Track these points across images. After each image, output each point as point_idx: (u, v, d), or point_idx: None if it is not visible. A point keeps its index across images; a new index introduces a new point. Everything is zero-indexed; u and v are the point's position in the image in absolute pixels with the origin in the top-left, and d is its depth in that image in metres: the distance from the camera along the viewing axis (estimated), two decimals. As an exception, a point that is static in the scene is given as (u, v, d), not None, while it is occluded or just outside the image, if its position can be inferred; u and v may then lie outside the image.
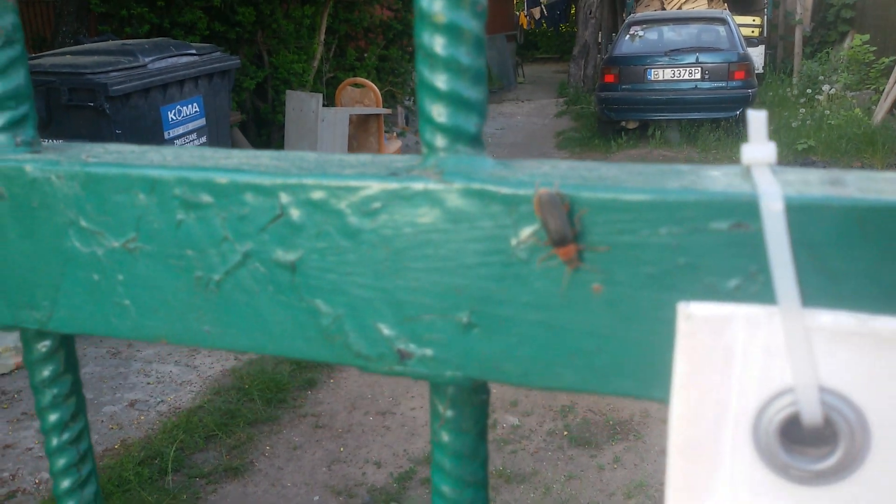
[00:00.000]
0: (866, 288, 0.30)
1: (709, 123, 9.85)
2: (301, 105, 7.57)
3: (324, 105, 7.79)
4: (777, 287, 0.30)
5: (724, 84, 9.55)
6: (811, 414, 0.31)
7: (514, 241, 0.34)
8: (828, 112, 9.84)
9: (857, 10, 13.07)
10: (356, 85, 8.38)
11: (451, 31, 0.36)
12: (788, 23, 13.51)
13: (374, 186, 0.35)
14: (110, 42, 6.00)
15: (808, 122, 9.70)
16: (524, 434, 3.79)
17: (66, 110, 4.92)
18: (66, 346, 0.50)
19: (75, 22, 7.19)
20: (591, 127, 11.10)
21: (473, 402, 0.40)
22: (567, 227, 0.32)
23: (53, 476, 0.52)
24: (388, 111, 8.89)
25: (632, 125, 10.32)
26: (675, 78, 9.68)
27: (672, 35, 10.17)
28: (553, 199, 0.33)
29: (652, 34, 10.26)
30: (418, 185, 0.35)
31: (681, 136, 9.91)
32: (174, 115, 5.62)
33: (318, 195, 0.36)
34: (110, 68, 4.99)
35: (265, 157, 0.42)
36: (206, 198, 0.38)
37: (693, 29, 10.16)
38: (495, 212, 0.34)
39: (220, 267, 0.39)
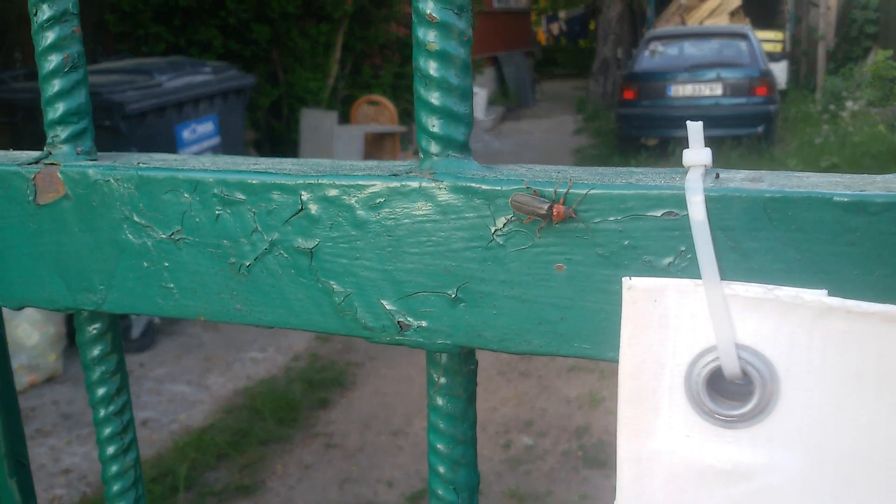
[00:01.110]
0: (772, 263, 0.38)
1: (730, 140, 9.85)
2: (316, 123, 7.70)
3: (339, 123, 7.91)
4: (701, 263, 0.38)
5: (745, 100, 9.51)
6: (730, 367, 0.38)
7: (492, 229, 0.42)
8: (851, 129, 9.77)
9: (881, 26, 13.08)
10: (372, 102, 8.49)
11: (442, 57, 0.44)
12: (811, 38, 13.52)
13: (379, 184, 0.43)
14: (127, 61, 6.13)
15: (831, 138, 9.63)
16: (539, 454, 3.81)
17: (85, 128, 5.03)
18: (113, 329, 0.58)
19: (92, 41, 7.36)
20: (610, 144, 11.09)
21: (463, 371, 0.48)
22: (535, 202, 0.40)
23: (99, 444, 0.60)
24: (404, 129, 9.01)
25: (651, 142, 10.30)
26: (696, 94, 9.65)
27: (693, 50, 10.14)
28: (517, 196, 0.40)
29: (672, 49, 10.25)
30: (414, 184, 0.43)
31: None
32: (189, 133, 5.74)
33: (332, 192, 0.44)
34: (126, 87, 5.10)
35: (288, 163, 0.50)
36: (240, 195, 0.46)
37: (714, 44, 10.13)
38: (477, 205, 0.42)
39: (251, 254, 0.46)
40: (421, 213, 0.43)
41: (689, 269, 0.39)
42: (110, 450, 0.60)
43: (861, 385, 0.37)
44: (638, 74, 9.99)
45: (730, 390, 0.40)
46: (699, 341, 0.39)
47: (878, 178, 0.40)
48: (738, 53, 9.87)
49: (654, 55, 10.19)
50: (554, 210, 0.40)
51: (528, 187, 0.41)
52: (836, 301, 0.36)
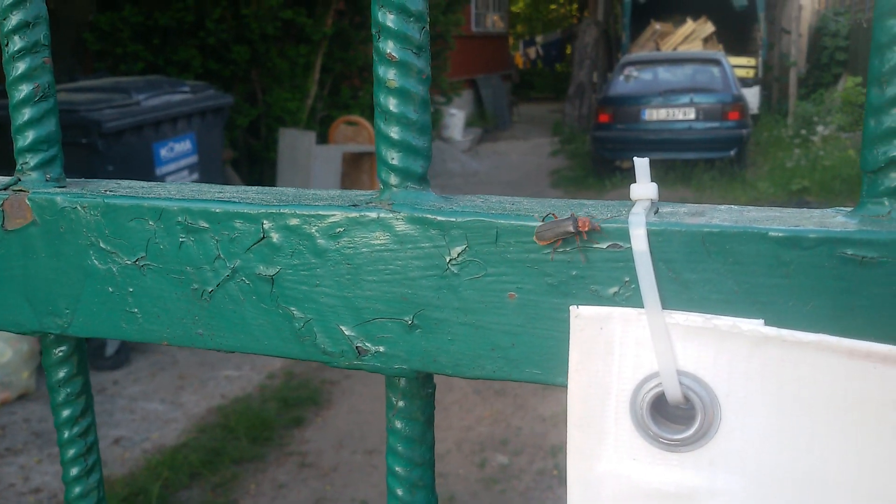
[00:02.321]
0: (711, 294, 0.39)
1: (703, 163, 9.99)
2: (294, 143, 7.71)
3: (317, 143, 7.92)
4: (643, 293, 0.39)
5: (718, 124, 9.69)
6: (672, 392, 0.40)
7: (447, 258, 0.44)
8: (822, 153, 9.95)
9: (851, 53, 13.34)
10: (350, 123, 8.52)
11: (402, 94, 0.45)
12: (783, 64, 13.77)
13: (338, 214, 0.45)
14: (105, 79, 6.12)
15: (802, 162, 9.81)
16: (514, 473, 3.81)
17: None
18: (78, 352, 0.58)
19: (71, 59, 7.34)
20: (586, 166, 11.21)
21: (421, 394, 0.49)
22: (557, 225, 0.41)
23: (63, 465, 0.61)
24: (379, 148, 9.01)
25: (626, 165, 10.44)
26: (670, 118, 9.81)
27: (667, 75, 10.32)
28: (540, 229, 0.42)
29: (646, 74, 10.42)
30: (373, 214, 0.44)
31: (675, 176, 10.06)
32: (166, 151, 5.73)
33: (293, 222, 0.45)
34: (104, 105, 5.09)
35: (252, 191, 0.51)
36: (204, 224, 0.47)
37: (688, 69, 10.32)
38: (433, 235, 0.43)
39: (213, 280, 0.48)
40: (379, 242, 0.44)
41: (633, 298, 0.41)
42: (74, 471, 0.60)
43: (798, 410, 0.39)
44: (613, 98, 10.14)
45: (678, 415, 0.42)
46: (643, 367, 0.41)
47: (817, 212, 0.43)
48: (711, 79, 10.04)
49: (628, 80, 10.35)
50: (579, 222, 0.41)
51: (550, 214, 0.42)
52: (772, 330, 0.38)
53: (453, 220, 0.43)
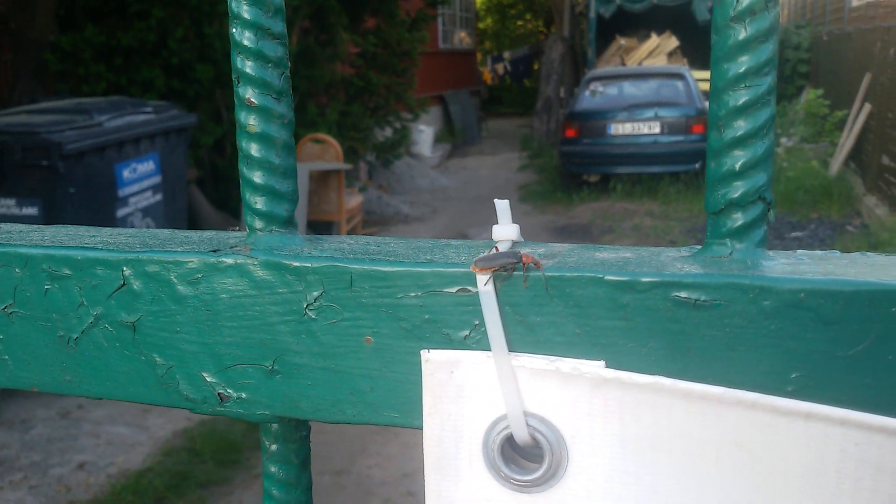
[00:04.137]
0: (555, 336, 0.40)
1: (669, 177, 10.09)
2: (259, 161, 7.65)
3: (282, 161, 7.87)
4: (490, 337, 0.40)
5: (682, 138, 9.82)
6: (520, 434, 0.40)
7: (304, 304, 0.44)
8: (785, 164, 10.09)
9: (812, 65, 13.55)
10: (317, 140, 8.50)
11: (263, 139, 0.46)
12: (747, 77, 13.89)
13: (196, 261, 0.44)
14: (66, 101, 6.07)
15: (767, 174, 9.93)
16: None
17: (20, 169, 4.96)
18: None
19: (32, 80, 7.26)
20: (554, 180, 11.31)
21: (295, 437, 0.49)
22: (497, 259, 0.41)
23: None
24: (349, 167, 9.02)
25: (593, 178, 10.56)
26: (635, 132, 9.95)
27: (632, 90, 10.46)
28: (480, 259, 0.41)
29: (612, 89, 10.55)
30: (230, 260, 0.44)
31: (642, 190, 10.14)
32: (129, 172, 5.68)
33: (152, 268, 0.45)
34: (65, 127, 5.05)
35: (124, 234, 0.51)
36: (67, 271, 0.47)
37: (652, 84, 10.47)
38: (290, 280, 0.44)
39: (78, 327, 0.47)
40: (237, 288, 0.44)
41: (482, 341, 0.41)
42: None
43: (640, 451, 0.39)
44: (579, 113, 10.24)
45: (536, 454, 0.42)
46: (493, 410, 0.41)
47: (672, 251, 0.43)
48: (675, 93, 10.18)
49: (594, 95, 10.46)
50: (523, 257, 0.40)
51: (496, 249, 0.42)
52: (612, 373, 0.38)
53: (309, 265, 0.43)
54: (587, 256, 0.42)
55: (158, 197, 6.10)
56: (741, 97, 0.38)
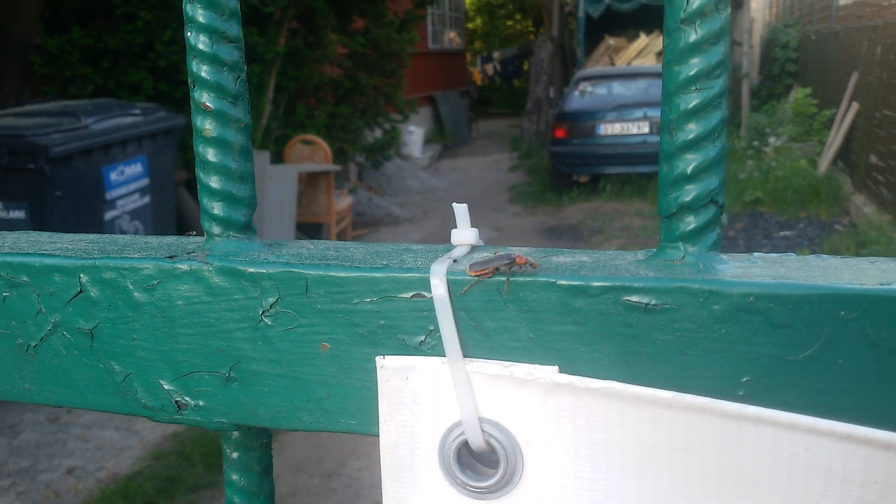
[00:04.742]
0: (509, 341, 0.40)
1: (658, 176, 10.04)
2: (248, 163, 7.63)
3: (272, 162, 7.88)
4: (444, 342, 0.40)
5: None
6: (475, 440, 0.40)
7: (260, 310, 0.43)
8: (774, 163, 10.09)
9: (800, 65, 13.59)
10: (306, 142, 8.48)
11: (220, 144, 0.45)
12: (736, 76, 13.97)
13: (151, 267, 0.44)
14: (52, 103, 6.04)
15: (755, 173, 9.91)
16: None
17: (7, 172, 4.94)
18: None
19: (19, 82, 7.23)
20: (544, 181, 11.30)
21: (256, 444, 0.49)
22: (493, 261, 0.40)
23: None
24: (339, 168, 9.00)
25: (583, 179, 10.56)
26: (624, 132, 9.95)
27: (621, 90, 10.46)
28: (475, 263, 0.41)
29: (601, 89, 10.55)
30: (185, 266, 0.44)
31: (631, 190, 10.14)
32: (117, 175, 5.66)
33: (108, 275, 0.45)
34: (52, 130, 5.02)
35: (84, 241, 0.50)
36: (25, 278, 0.47)
37: (641, 84, 10.47)
38: (245, 286, 0.43)
39: (37, 335, 0.47)
40: (192, 294, 0.44)
41: (438, 347, 0.41)
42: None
43: (594, 455, 0.39)
44: (568, 114, 10.24)
45: (493, 460, 0.42)
46: (448, 416, 0.41)
47: (629, 255, 0.43)
48: None
49: (583, 95, 10.46)
50: (517, 259, 0.40)
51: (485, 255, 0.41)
52: (564, 377, 0.38)
53: (264, 271, 0.43)
54: (543, 261, 0.42)
55: (146, 199, 6.08)
56: (692, 100, 0.38)
